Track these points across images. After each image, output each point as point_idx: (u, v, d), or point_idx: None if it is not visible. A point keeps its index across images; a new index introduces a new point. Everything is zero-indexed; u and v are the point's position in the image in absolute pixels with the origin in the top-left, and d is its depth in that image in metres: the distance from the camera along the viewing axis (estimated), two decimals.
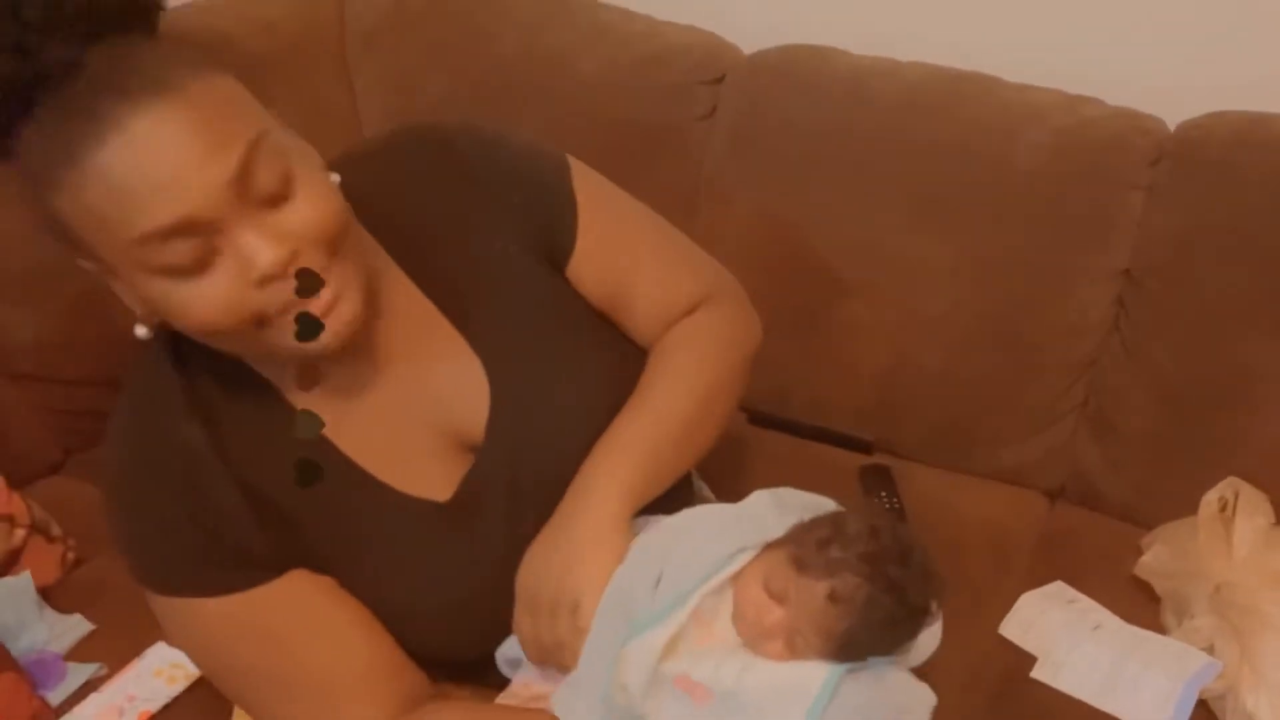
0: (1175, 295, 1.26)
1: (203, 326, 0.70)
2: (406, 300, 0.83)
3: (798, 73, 1.41)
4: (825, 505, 0.83)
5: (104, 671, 1.11)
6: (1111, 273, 1.29)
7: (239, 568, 0.77)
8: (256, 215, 0.68)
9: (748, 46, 1.48)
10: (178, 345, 0.78)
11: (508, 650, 0.84)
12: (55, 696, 1.08)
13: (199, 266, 0.67)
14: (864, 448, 1.45)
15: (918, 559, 0.77)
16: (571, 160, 0.90)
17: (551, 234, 0.87)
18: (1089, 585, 1.23)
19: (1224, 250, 1.23)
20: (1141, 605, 1.20)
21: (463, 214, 0.84)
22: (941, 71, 1.36)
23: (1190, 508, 1.21)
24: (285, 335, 0.71)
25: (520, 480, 0.84)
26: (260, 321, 0.70)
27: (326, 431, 0.80)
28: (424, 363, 0.83)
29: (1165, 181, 1.26)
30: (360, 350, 0.80)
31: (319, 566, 0.80)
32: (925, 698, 0.80)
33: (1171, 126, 1.28)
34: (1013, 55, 1.36)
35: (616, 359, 0.90)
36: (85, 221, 0.67)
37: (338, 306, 0.71)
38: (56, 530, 1.24)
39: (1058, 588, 1.23)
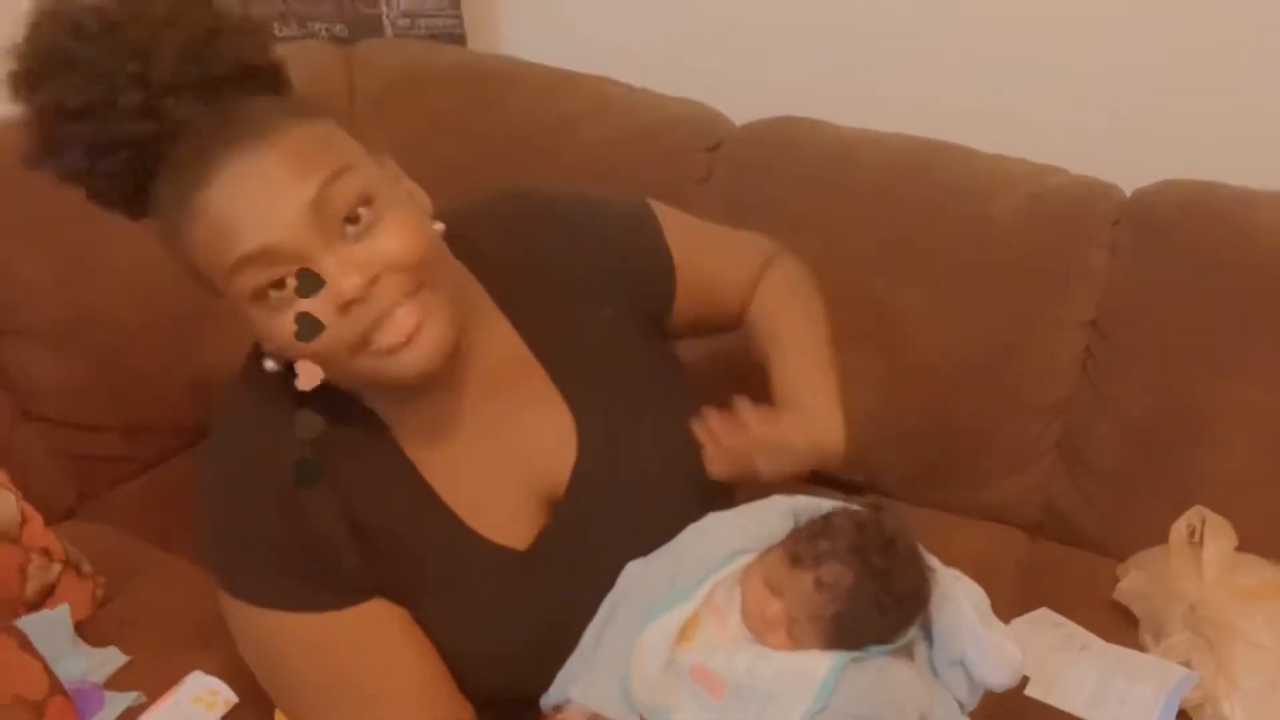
0: (1137, 342, 1.39)
1: (298, 353, 0.75)
2: (503, 343, 0.88)
3: (788, 140, 1.53)
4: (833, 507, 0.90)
5: (143, 700, 1.13)
6: (1080, 322, 1.41)
7: (324, 589, 0.80)
8: (340, 246, 0.73)
9: (739, 119, 1.60)
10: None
11: (553, 696, 0.87)
12: None
13: (291, 296, 0.72)
14: (855, 489, 1.54)
15: (903, 548, 0.83)
16: (655, 206, 0.98)
17: (652, 288, 0.95)
18: (1071, 611, 1.32)
19: (1179, 302, 1.36)
20: (1121, 627, 1.29)
21: (569, 276, 0.91)
22: (920, 141, 1.49)
23: (1159, 538, 1.30)
24: (378, 362, 0.76)
25: (595, 537, 0.88)
26: (353, 348, 0.75)
27: (419, 466, 0.85)
28: (514, 407, 0.88)
29: (1125, 241, 1.39)
30: (454, 388, 0.85)
31: (396, 597, 0.84)
32: (931, 698, 0.85)
33: (1128, 193, 1.42)
34: (983, 128, 1.49)
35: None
36: (199, 258, 0.74)
37: (420, 335, 0.75)
38: (87, 567, 1.25)
39: (1043, 613, 1.32)
